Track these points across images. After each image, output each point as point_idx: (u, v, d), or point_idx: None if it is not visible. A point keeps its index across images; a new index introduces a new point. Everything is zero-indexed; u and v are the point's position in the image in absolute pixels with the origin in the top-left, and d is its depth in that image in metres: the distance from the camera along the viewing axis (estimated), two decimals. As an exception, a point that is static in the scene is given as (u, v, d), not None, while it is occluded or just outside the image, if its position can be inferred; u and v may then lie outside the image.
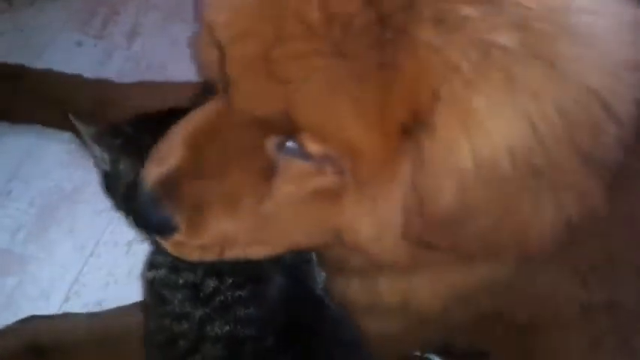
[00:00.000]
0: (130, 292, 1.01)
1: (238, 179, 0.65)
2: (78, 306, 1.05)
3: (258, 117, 0.61)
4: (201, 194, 0.65)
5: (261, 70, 0.58)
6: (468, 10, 0.54)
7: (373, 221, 0.63)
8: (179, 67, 1.27)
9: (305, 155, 0.61)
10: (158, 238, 0.69)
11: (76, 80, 1.20)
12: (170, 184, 0.65)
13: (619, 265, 0.82)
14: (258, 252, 0.71)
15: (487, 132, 0.54)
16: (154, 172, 0.66)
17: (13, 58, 1.22)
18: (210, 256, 0.70)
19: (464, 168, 0.55)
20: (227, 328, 0.70)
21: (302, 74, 0.56)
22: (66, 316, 1.01)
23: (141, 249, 1.11)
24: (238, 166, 0.65)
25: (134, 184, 0.70)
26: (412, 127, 0.57)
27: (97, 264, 1.10)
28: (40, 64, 1.23)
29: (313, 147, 0.60)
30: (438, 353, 1.03)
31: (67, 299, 1.06)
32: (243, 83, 0.61)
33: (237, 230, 0.68)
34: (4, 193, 1.15)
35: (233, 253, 0.70)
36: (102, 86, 1.19)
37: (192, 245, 0.68)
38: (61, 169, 1.18)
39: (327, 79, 0.56)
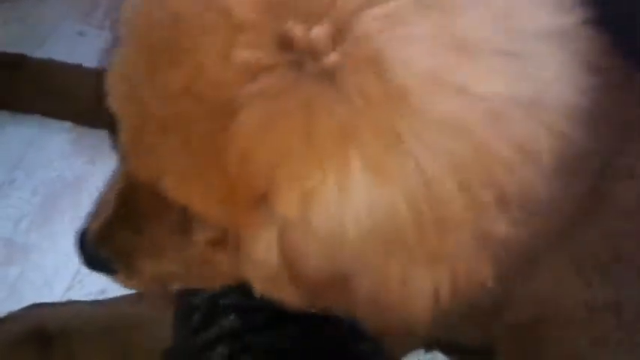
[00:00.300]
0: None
1: (158, 233, 0.69)
2: (81, 294, 1.04)
3: None
4: (130, 244, 0.71)
5: (135, 151, 0.62)
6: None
7: (257, 280, 0.65)
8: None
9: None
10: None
11: (77, 70, 1.20)
12: (105, 236, 0.72)
13: (624, 264, 0.82)
14: (197, 285, 0.77)
15: (330, 207, 0.53)
16: (93, 225, 0.73)
17: (15, 48, 1.22)
18: (157, 288, 0.77)
19: (318, 236, 0.54)
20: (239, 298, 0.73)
21: (158, 167, 0.59)
22: (70, 304, 1.01)
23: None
24: (157, 220, 0.68)
25: None
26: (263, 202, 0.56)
27: (101, 254, 1.10)
28: (41, 54, 1.23)
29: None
30: (443, 350, 1.04)
31: (70, 287, 1.05)
32: (127, 156, 0.65)
33: (167, 272, 0.73)
34: (6, 183, 1.15)
35: (177, 286, 0.76)
36: (103, 75, 1.18)
37: (135, 284, 0.76)
38: (64, 158, 1.18)
39: (177, 171, 0.58)
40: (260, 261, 0.60)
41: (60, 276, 1.06)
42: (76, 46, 1.30)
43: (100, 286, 1.05)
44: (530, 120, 0.55)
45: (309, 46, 0.51)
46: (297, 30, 0.51)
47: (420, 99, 0.50)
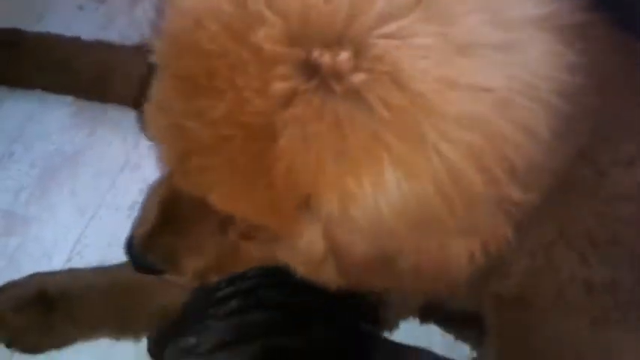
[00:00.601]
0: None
1: (199, 235, 0.78)
2: (80, 266, 1.05)
3: None
4: (174, 247, 0.79)
5: (182, 172, 0.68)
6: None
7: (301, 265, 0.73)
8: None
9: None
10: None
11: (76, 43, 1.20)
12: (151, 242, 0.79)
13: (620, 247, 0.84)
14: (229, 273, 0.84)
15: (367, 202, 0.60)
16: (139, 231, 0.81)
17: (13, 22, 1.22)
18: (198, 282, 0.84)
19: (361, 227, 0.61)
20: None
21: (206, 184, 0.66)
22: (70, 271, 1.02)
23: (142, 212, 1.12)
24: (198, 224, 0.77)
25: None
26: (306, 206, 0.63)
27: (99, 226, 1.10)
28: (40, 28, 1.23)
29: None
30: (437, 322, 1.05)
31: (69, 259, 1.06)
32: (174, 174, 0.72)
33: (206, 267, 0.81)
34: (6, 156, 1.16)
35: (213, 278, 0.84)
36: (103, 49, 1.19)
37: (181, 281, 0.83)
38: (63, 132, 1.19)
39: (225, 188, 0.65)
40: (304, 252, 0.68)
41: (59, 247, 1.07)
42: (76, 19, 1.31)
43: (99, 258, 1.06)
44: (530, 102, 0.61)
45: (334, 69, 0.57)
46: (322, 57, 0.57)
47: (438, 101, 0.58)
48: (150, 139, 0.71)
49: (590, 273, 0.83)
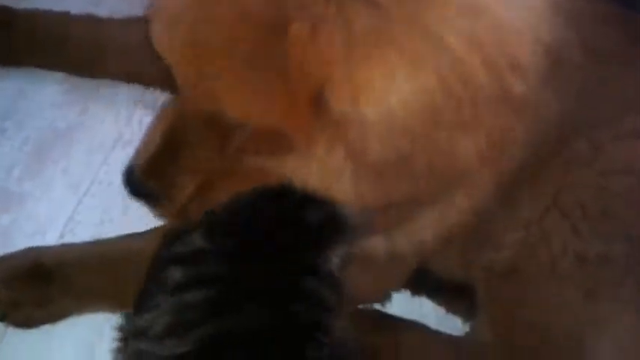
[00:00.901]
0: (126, 230, 1.01)
1: (200, 154, 0.77)
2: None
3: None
4: (174, 170, 0.78)
5: (192, 73, 0.68)
6: None
7: (316, 177, 0.72)
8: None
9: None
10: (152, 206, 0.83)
11: (66, 19, 1.19)
12: (151, 166, 0.79)
13: (613, 218, 0.85)
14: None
15: (378, 97, 0.62)
16: (139, 161, 0.80)
17: (3, 0, 1.21)
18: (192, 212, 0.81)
19: (373, 122, 0.63)
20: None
21: (220, 92, 0.66)
22: (66, 244, 1.02)
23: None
24: (200, 145, 0.76)
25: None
26: (321, 102, 0.64)
27: (92, 203, 1.10)
28: (30, 5, 1.22)
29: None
30: (428, 295, 1.05)
31: (62, 236, 1.06)
32: (182, 89, 0.73)
33: (205, 190, 0.79)
34: (-3, 132, 1.16)
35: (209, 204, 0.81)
36: (94, 24, 1.18)
37: (178, 208, 0.81)
38: (55, 108, 1.19)
39: (239, 93, 0.66)
40: (320, 161, 0.69)
41: (52, 224, 1.07)
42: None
43: (92, 234, 1.05)
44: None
45: None
46: None
47: None
48: (163, 58, 0.71)
49: (583, 245, 0.84)
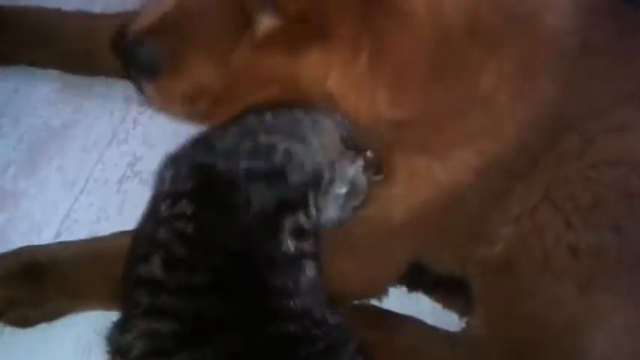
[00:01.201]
0: (122, 228, 1.00)
1: (216, 29, 0.72)
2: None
3: None
4: (183, 41, 0.73)
5: None
6: None
7: (335, 80, 0.72)
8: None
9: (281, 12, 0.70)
10: (145, 82, 0.76)
11: (59, 16, 1.18)
12: (157, 29, 0.73)
13: (605, 209, 0.85)
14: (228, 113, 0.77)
15: None
16: (143, 20, 0.74)
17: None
18: (193, 114, 0.77)
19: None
20: None
21: None
22: (60, 242, 1.02)
23: (132, 187, 1.12)
24: (214, 16, 0.72)
25: None
26: None
27: (88, 201, 1.10)
28: (24, 3, 1.22)
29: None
30: (425, 291, 1.06)
31: (58, 234, 1.06)
32: None
33: (213, 79, 0.74)
34: (-8, 131, 1.15)
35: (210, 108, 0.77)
36: (87, 20, 1.18)
37: (176, 92, 0.75)
38: (50, 106, 1.18)
39: None
40: (346, 63, 0.70)
41: (48, 223, 1.07)
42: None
43: (88, 233, 1.05)
44: None
45: None
46: None
47: None
48: None
49: (576, 237, 0.84)
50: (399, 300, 1.03)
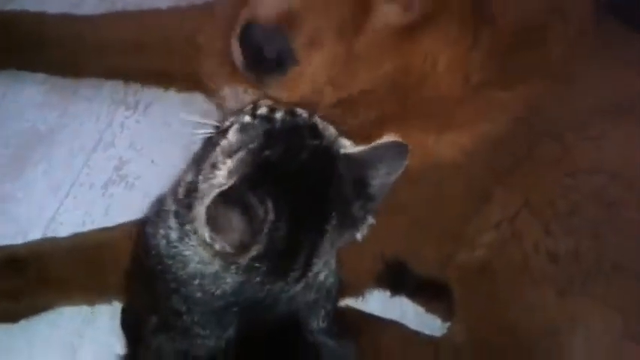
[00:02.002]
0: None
1: (340, 17, 0.73)
2: (55, 244, 1.05)
3: None
4: (313, 30, 0.73)
5: None
6: None
7: (449, 55, 0.77)
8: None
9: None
10: (275, 75, 0.74)
11: (41, 18, 1.18)
12: (286, 20, 0.72)
13: (582, 216, 0.87)
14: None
15: None
16: (265, 11, 0.73)
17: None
18: (318, 100, 0.78)
19: None
20: None
21: None
22: (43, 238, 1.02)
23: (117, 190, 1.13)
24: (340, 5, 0.73)
25: None
26: None
27: (73, 204, 1.11)
28: (12, 7, 1.22)
29: None
30: (408, 294, 1.07)
31: (44, 237, 1.05)
32: None
33: (339, 66, 0.76)
34: (-22, 135, 1.15)
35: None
36: (72, 22, 1.18)
37: (307, 82, 0.75)
38: (36, 110, 1.19)
39: None
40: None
41: (34, 225, 1.07)
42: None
43: (74, 235, 1.06)
44: None
45: None
46: None
47: None
48: None
49: (554, 243, 0.85)
50: (383, 304, 1.04)
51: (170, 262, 0.70)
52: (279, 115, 0.71)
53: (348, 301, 1.00)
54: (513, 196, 0.88)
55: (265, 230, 0.64)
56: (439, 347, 0.96)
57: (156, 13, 1.16)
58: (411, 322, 1.02)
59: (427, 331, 1.01)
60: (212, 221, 0.62)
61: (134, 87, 1.22)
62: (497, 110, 0.84)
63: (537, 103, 0.84)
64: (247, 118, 0.70)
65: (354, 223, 0.71)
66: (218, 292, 0.68)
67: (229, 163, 0.66)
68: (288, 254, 0.67)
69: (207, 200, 0.62)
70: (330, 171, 0.69)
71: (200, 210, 0.64)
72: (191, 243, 0.69)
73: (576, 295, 0.85)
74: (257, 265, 0.66)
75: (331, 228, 0.69)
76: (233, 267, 0.67)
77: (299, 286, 0.69)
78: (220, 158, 0.67)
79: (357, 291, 1.00)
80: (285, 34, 0.72)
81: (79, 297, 0.95)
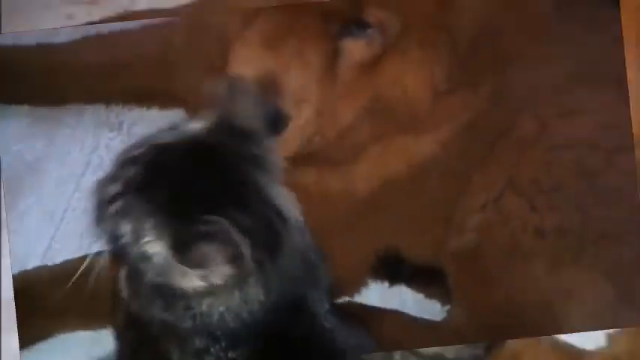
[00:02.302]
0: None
1: (319, 62, 0.82)
2: (54, 271, 1.06)
3: (326, 9, 0.80)
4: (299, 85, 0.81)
5: None
6: None
7: (415, 76, 0.83)
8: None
9: (362, 29, 0.82)
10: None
11: (16, 50, 1.18)
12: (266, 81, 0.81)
13: (565, 190, 0.89)
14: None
15: None
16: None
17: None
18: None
19: None
20: None
21: None
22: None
23: (110, 212, 1.13)
24: (308, 53, 0.81)
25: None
26: None
27: (68, 230, 1.12)
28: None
29: (375, 15, 0.81)
30: (406, 283, 1.08)
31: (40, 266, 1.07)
32: None
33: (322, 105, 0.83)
34: (-33, 171, 1.16)
35: None
36: (44, 51, 1.19)
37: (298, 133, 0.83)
38: (22, 142, 1.19)
39: None
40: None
41: (31, 255, 1.08)
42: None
43: (72, 262, 1.07)
44: None
45: None
46: None
47: None
48: None
49: (541, 220, 0.87)
50: (381, 295, 1.05)
51: None
52: None
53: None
54: (497, 177, 0.89)
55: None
56: (440, 332, 0.97)
57: (128, 32, 1.17)
58: (412, 309, 1.04)
59: (428, 316, 1.03)
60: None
61: (116, 109, 1.22)
62: (468, 103, 0.89)
63: (505, 87, 0.86)
64: None
65: None
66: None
67: None
68: None
69: None
70: None
71: None
72: None
73: (566, 266, 0.86)
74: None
75: None
76: None
77: None
78: None
79: (354, 286, 1.02)
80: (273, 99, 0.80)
81: (74, 325, 0.97)
